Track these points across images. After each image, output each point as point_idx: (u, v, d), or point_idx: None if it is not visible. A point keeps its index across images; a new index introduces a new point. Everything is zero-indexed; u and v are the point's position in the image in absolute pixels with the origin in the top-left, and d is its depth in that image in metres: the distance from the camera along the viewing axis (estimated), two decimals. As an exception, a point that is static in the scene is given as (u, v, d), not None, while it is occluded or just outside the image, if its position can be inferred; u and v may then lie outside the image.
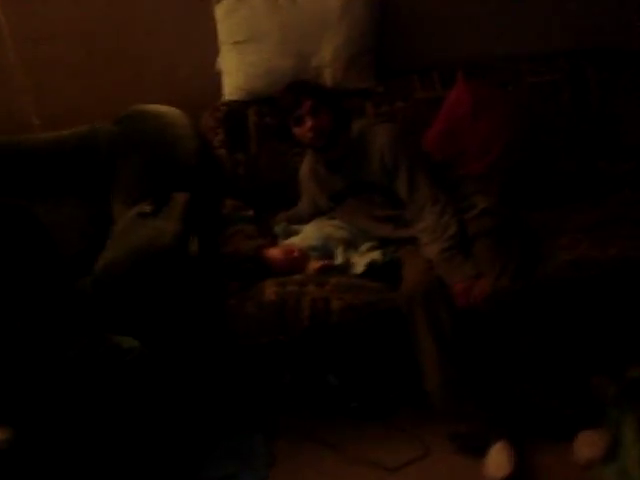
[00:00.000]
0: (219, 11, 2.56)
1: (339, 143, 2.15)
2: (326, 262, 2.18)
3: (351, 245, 2.27)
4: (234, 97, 2.59)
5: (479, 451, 1.89)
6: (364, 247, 2.26)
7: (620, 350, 2.07)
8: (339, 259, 2.16)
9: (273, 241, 2.33)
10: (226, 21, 2.55)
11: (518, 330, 1.91)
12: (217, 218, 2.33)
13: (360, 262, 2.14)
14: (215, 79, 2.63)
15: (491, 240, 2.05)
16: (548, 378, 1.92)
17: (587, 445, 1.83)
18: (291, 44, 2.52)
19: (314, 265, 2.16)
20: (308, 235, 2.28)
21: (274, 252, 2.20)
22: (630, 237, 2.12)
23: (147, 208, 2.14)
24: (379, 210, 2.23)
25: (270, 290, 2.03)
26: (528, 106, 2.60)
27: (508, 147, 2.54)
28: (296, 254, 2.19)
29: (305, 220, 2.41)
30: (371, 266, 2.11)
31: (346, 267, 2.15)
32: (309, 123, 2.08)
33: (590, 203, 2.45)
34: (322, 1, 2.52)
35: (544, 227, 2.31)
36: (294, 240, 2.29)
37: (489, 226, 2.09)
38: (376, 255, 2.14)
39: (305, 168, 2.37)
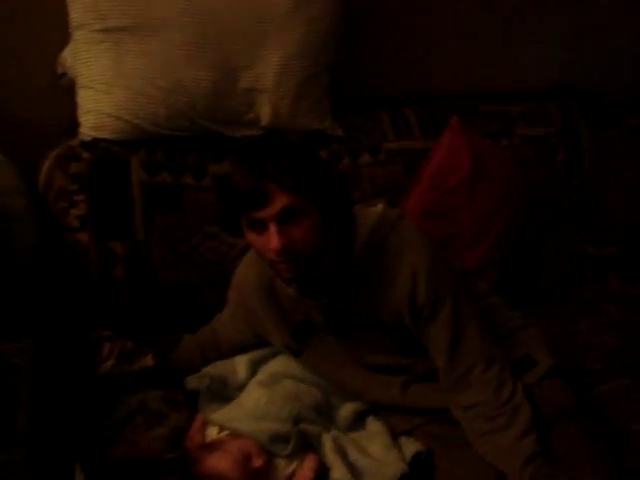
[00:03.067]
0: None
1: (323, 262, 1.15)
2: (314, 466, 1.22)
3: (323, 411, 1.34)
4: (102, 134, 1.42)
5: None
6: (345, 412, 1.34)
7: None
8: (337, 469, 1.21)
9: (191, 416, 1.28)
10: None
11: None
12: (87, 388, 1.20)
13: (376, 471, 1.22)
14: (59, 95, 1.43)
15: (576, 429, 1.27)
16: None
17: None
18: (208, 48, 1.44)
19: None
20: (262, 410, 1.27)
21: (219, 463, 1.17)
22: None
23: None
24: (379, 356, 1.31)
25: None
26: (525, 169, 1.87)
27: (508, 229, 1.79)
28: (258, 464, 1.19)
29: (224, 350, 1.41)
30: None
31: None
32: (275, 240, 1.06)
33: (581, 299, 1.91)
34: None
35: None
36: (233, 418, 1.27)
37: (569, 402, 1.31)
38: (393, 463, 1.23)
39: (248, 274, 1.33)
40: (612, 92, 2.14)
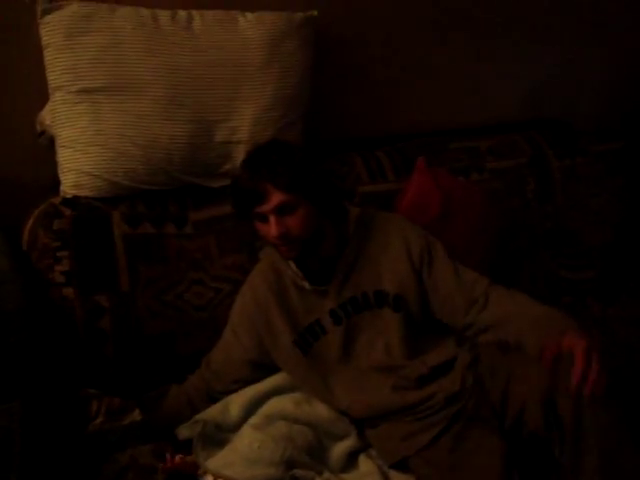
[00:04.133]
0: (45, 31, 1.41)
1: (324, 245, 1.39)
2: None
3: (315, 452, 1.35)
4: (83, 192, 1.46)
5: None
6: (337, 452, 1.36)
7: None
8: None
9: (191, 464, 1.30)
10: (64, 52, 1.41)
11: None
12: (78, 447, 1.22)
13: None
14: (42, 153, 1.47)
15: None
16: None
17: None
18: (183, 103, 1.48)
19: None
20: (255, 454, 1.28)
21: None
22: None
23: None
24: (380, 345, 1.39)
25: None
26: (496, 202, 1.92)
27: (482, 263, 1.83)
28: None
29: (222, 383, 1.44)
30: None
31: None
32: (274, 229, 1.29)
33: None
34: (235, 34, 1.53)
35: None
36: (227, 464, 1.28)
37: None
38: None
39: (264, 277, 1.44)
40: (578, 121, 2.22)
